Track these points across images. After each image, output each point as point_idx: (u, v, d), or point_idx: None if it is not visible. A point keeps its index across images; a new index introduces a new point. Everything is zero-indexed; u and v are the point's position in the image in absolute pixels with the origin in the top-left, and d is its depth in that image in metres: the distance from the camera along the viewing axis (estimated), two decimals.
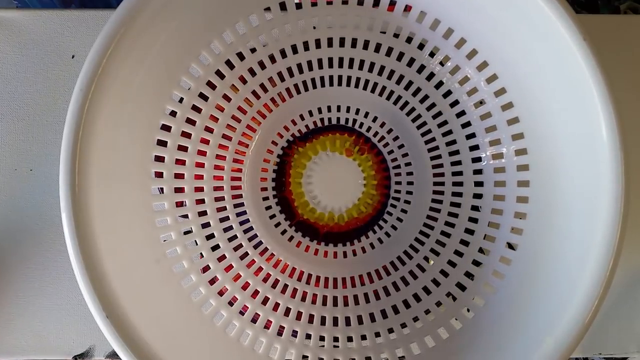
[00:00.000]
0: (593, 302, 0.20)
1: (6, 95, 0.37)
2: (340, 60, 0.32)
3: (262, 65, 0.31)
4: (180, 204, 0.29)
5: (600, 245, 0.20)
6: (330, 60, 0.32)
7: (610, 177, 0.20)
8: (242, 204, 0.34)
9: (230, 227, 0.32)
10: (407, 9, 0.28)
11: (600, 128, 0.21)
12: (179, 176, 0.29)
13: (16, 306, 0.36)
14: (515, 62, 0.25)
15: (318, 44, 0.31)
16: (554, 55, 0.22)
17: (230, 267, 0.31)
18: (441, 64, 0.30)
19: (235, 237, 0.32)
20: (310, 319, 0.31)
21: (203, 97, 0.29)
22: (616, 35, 0.37)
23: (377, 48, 0.31)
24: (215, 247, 0.31)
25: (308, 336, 0.30)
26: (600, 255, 0.20)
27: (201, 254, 0.30)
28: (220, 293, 0.29)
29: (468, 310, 0.28)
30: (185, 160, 0.30)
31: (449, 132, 0.32)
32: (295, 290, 0.32)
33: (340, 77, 0.33)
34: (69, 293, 0.36)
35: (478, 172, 0.31)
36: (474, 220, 0.31)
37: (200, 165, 0.31)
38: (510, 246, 0.28)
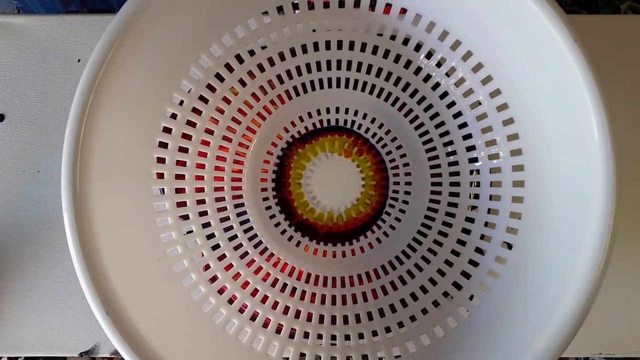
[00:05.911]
0: (583, 302, 0.20)
1: (14, 98, 0.38)
2: (339, 62, 0.33)
3: (261, 68, 0.32)
4: (181, 204, 0.30)
5: (591, 245, 0.20)
6: (329, 62, 0.33)
7: (602, 178, 0.20)
8: (242, 204, 0.35)
9: (231, 227, 0.33)
10: (402, 12, 0.28)
11: (591, 129, 0.21)
12: (180, 177, 0.30)
13: (24, 304, 0.37)
14: (508, 64, 0.25)
15: (316, 46, 0.32)
16: (545, 57, 0.22)
17: (230, 266, 0.31)
18: (437, 65, 0.30)
19: (235, 236, 0.33)
20: (309, 317, 0.31)
21: (203, 99, 0.30)
22: (616, 35, 0.37)
23: (375, 50, 0.32)
24: (216, 247, 0.31)
25: (306, 334, 0.30)
26: (591, 255, 0.20)
27: (202, 253, 0.30)
28: (220, 291, 0.30)
29: (464, 309, 0.28)
30: (186, 162, 0.30)
31: (446, 132, 0.32)
32: (294, 289, 0.32)
33: (338, 79, 0.34)
34: (75, 291, 0.37)
35: (475, 172, 0.31)
36: (470, 220, 0.31)
37: (201, 166, 0.32)
38: (507, 246, 0.28)
